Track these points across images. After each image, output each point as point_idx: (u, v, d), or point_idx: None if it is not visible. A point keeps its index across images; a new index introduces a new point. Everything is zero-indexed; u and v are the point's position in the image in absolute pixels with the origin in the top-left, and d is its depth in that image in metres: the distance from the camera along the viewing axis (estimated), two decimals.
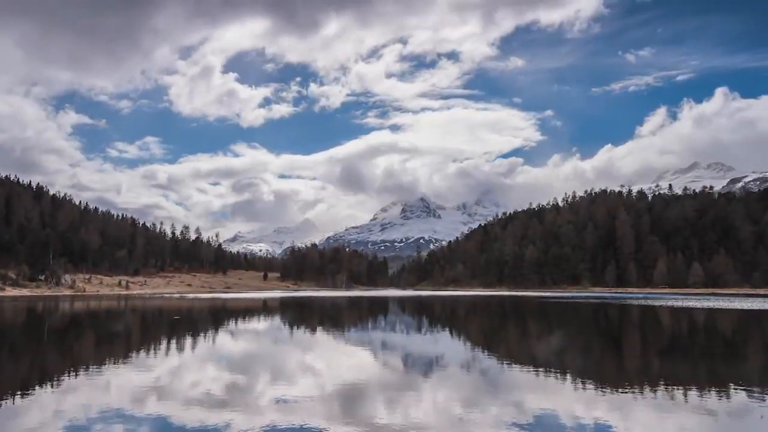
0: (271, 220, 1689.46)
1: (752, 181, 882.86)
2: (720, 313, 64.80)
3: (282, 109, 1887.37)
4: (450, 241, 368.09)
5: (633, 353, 32.73)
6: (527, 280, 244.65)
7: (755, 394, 19.25)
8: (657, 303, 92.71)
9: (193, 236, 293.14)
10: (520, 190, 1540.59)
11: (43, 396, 19.29)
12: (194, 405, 18.01)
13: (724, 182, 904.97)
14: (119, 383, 21.18)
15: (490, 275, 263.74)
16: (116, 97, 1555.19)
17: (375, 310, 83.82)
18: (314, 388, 20.92)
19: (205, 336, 40.67)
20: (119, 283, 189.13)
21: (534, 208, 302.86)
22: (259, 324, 55.23)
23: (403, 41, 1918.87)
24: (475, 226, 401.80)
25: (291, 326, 52.34)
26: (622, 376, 24.07)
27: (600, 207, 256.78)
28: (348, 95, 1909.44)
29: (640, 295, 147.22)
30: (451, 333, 46.80)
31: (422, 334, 44.98)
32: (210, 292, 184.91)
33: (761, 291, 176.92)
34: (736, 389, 20.30)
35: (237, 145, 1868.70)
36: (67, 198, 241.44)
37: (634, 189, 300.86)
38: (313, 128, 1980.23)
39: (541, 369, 24.83)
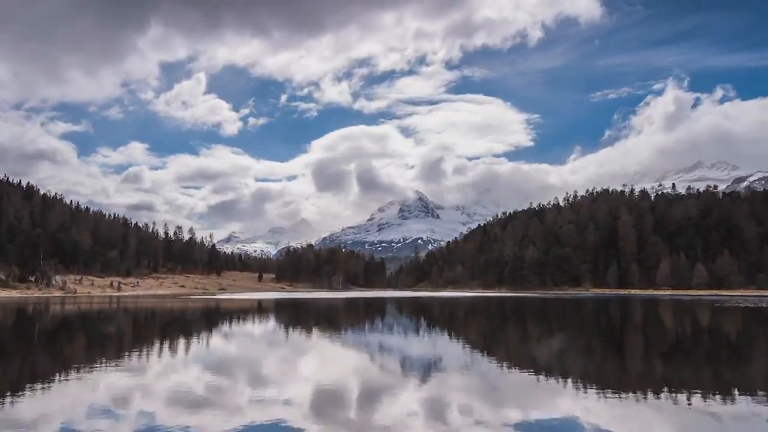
0: (253, 221, 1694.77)
1: (757, 180, 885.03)
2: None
3: (259, 122, 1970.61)
4: (449, 242, 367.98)
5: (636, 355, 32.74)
6: (527, 282, 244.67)
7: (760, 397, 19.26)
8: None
9: (186, 236, 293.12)
10: (520, 189, 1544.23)
11: (25, 400, 19.24)
12: (177, 409, 17.99)
13: (729, 181, 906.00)
14: (104, 386, 21.14)
15: (489, 276, 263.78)
16: (102, 107, 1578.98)
17: (372, 312, 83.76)
18: (304, 393, 20.90)
19: (196, 340, 40.61)
20: (111, 284, 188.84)
21: (534, 208, 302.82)
22: (254, 327, 55.20)
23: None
24: (474, 226, 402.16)
25: (285, 329, 52.29)
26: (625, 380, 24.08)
27: (602, 207, 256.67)
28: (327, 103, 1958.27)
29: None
30: (449, 336, 46.75)
31: (419, 336, 44.93)
32: (204, 294, 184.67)
33: (767, 293, 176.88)
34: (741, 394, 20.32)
35: (218, 148, 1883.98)
36: (58, 197, 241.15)
37: (637, 188, 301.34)
38: (292, 132, 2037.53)
39: (543, 372, 24.83)
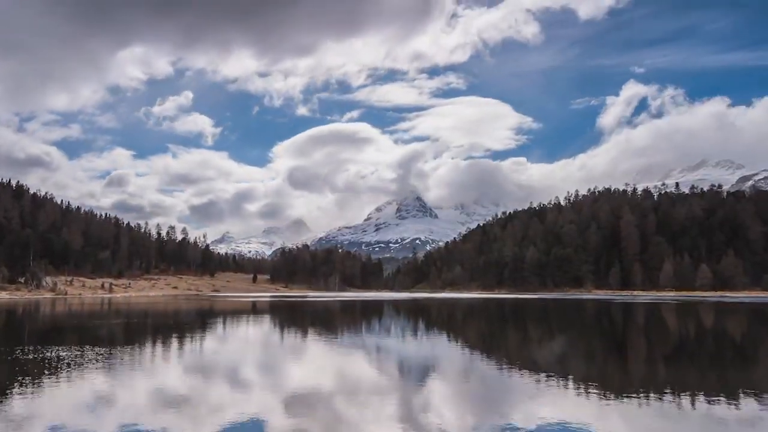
0: (226, 222, 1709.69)
1: (763, 179, 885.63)
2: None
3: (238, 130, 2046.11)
4: (447, 242, 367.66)
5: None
6: (528, 283, 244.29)
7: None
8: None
9: (179, 237, 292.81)
10: (520, 188, 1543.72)
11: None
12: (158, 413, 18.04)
13: (734, 180, 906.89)
14: (89, 390, 21.19)
15: (489, 277, 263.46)
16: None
17: (368, 315, 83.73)
18: (295, 399, 20.94)
19: (189, 342, 40.59)
20: (102, 285, 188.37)
21: (535, 208, 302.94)
22: (246, 330, 55.20)
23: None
24: (473, 226, 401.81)
25: (281, 331, 52.30)
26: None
27: (604, 206, 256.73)
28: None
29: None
30: (447, 340, 46.76)
31: (417, 339, 44.94)
32: (197, 295, 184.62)
33: None
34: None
35: (200, 151, 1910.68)
36: (48, 197, 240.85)
37: (639, 187, 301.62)
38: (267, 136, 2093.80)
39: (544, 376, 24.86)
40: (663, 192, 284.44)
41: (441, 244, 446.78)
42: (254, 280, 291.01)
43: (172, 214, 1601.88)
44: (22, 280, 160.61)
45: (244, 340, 42.64)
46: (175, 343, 39.25)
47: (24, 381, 22.90)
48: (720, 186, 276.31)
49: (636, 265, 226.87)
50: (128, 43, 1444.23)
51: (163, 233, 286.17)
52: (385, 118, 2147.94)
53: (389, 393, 21.74)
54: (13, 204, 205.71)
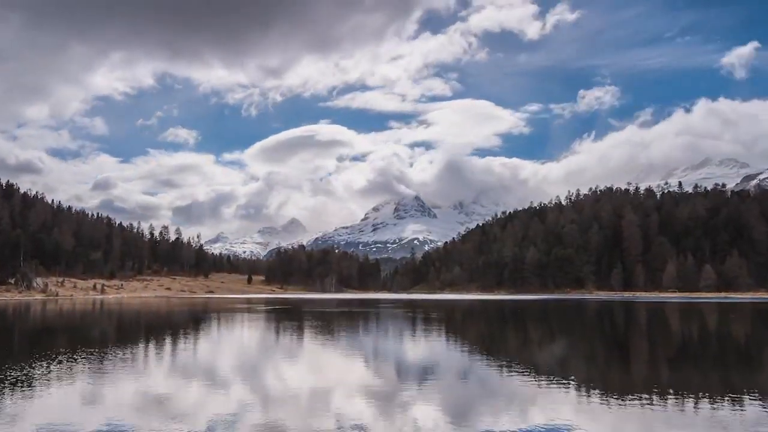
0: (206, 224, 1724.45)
1: None
2: None
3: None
4: (446, 242, 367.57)
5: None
6: (528, 284, 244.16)
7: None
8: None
9: (172, 237, 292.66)
10: (520, 187, 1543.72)
11: None
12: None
13: (738, 179, 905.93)
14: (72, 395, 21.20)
15: (488, 278, 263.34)
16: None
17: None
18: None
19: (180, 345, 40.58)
20: (94, 286, 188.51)
21: (535, 207, 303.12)
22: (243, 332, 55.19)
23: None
24: (472, 225, 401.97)
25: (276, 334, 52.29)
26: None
27: (605, 206, 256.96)
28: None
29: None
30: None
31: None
32: (191, 297, 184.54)
33: None
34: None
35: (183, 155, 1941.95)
36: (39, 197, 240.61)
37: (642, 186, 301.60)
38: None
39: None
40: (666, 191, 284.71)
41: (440, 244, 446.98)
42: (249, 281, 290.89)
43: (158, 216, 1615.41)
44: (13, 281, 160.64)
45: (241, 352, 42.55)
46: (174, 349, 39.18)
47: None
48: (724, 185, 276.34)
49: (638, 265, 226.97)
50: (115, 55, 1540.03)
51: (156, 233, 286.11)
52: (369, 121, 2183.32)
53: (385, 396, 21.74)
54: (2, 204, 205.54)
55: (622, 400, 20.44)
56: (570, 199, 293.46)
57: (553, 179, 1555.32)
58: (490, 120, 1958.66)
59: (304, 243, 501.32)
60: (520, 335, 51.67)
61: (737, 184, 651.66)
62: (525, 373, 26.76)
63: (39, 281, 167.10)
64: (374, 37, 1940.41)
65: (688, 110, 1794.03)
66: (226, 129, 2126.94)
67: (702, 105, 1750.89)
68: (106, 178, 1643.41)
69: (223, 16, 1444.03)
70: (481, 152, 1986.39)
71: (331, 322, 67.76)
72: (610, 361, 33.37)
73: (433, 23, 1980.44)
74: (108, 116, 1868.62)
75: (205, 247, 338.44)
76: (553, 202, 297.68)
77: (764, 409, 18.89)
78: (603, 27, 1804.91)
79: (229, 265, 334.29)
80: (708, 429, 16.86)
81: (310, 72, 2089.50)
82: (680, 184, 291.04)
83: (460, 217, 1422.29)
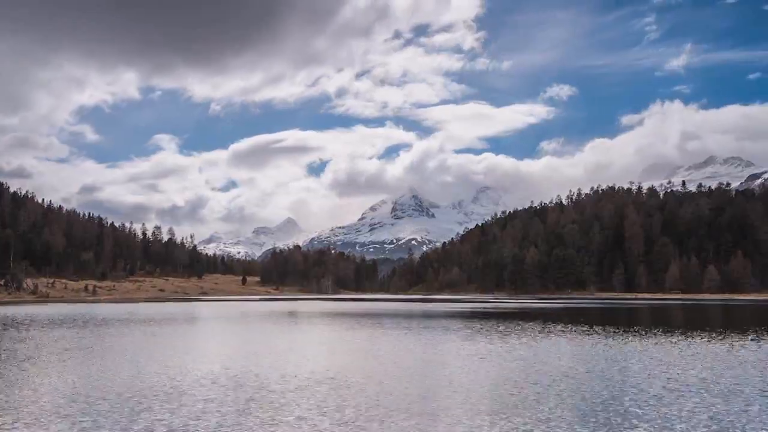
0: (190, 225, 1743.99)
1: None
2: None
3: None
4: (445, 243, 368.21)
5: None
6: (528, 285, 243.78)
7: None
8: None
9: (165, 237, 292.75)
10: (520, 186, 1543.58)
11: None
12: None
13: (743, 178, 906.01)
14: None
15: (488, 279, 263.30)
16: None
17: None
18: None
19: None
20: (85, 288, 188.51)
21: (536, 207, 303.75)
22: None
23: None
24: (471, 225, 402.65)
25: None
26: None
27: (607, 205, 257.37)
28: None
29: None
30: None
31: None
32: (184, 298, 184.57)
33: None
34: None
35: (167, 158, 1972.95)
36: (29, 196, 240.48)
37: (645, 186, 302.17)
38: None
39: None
40: (669, 191, 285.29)
41: (438, 244, 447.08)
42: (244, 282, 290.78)
43: (146, 220, 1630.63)
44: (2, 283, 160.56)
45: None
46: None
47: None
48: (728, 184, 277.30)
49: (641, 266, 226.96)
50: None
51: (149, 233, 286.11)
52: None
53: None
54: None
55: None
56: (571, 198, 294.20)
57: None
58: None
59: (300, 243, 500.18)
60: None
61: (742, 183, 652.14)
62: None
63: (29, 282, 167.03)
64: (348, 54, 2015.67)
65: None
66: (207, 136, 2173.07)
67: None
68: (92, 182, 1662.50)
69: (202, 36, 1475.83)
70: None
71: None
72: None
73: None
74: (94, 124, 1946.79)
75: (198, 248, 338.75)
76: (554, 202, 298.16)
77: None
78: None
79: (223, 265, 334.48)
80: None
81: (287, 83, 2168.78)
82: (684, 183, 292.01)
83: (459, 217, 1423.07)
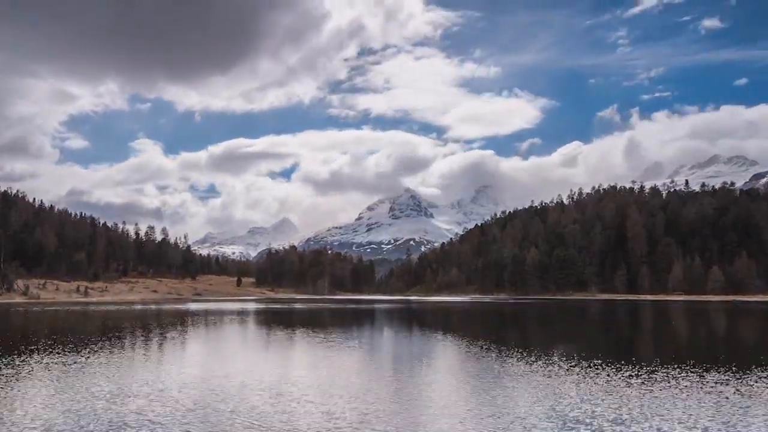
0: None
1: None
2: None
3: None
4: (443, 243, 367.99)
5: None
6: (528, 286, 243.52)
7: None
8: None
9: (159, 237, 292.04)
10: (520, 185, 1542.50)
11: None
12: None
13: (747, 177, 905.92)
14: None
15: (487, 280, 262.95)
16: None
17: None
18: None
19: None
20: (77, 289, 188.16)
21: (536, 206, 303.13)
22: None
23: None
24: (471, 225, 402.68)
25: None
26: None
27: (609, 205, 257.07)
28: None
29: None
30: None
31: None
32: (177, 300, 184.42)
33: None
34: None
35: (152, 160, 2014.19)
36: (20, 195, 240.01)
37: (647, 185, 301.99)
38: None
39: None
40: (672, 190, 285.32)
41: (437, 245, 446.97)
42: (238, 283, 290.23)
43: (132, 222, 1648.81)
44: None
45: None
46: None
47: None
48: (732, 184, 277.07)
49: (643, 267, 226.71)
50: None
51: (142, 233, 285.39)
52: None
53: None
54: None
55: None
56: (572, 198, 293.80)
57: None
58: None
59: (296, 244, 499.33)
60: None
61: (746, 182, 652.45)
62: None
63: (20, 283, 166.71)
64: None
65: None
66: (188, 140, 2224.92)
67: None
68: (80, 186, 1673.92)
69: (180, 50, 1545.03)
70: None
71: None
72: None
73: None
74: (81, 131, 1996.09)
75: (192, 248, 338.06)
76: (555, 201, 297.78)
77: None
78: None
79: (218, 266, 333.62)
80: None
81: (265, 94, 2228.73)
82: (687, 182, 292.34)
83: (459, 217, 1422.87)
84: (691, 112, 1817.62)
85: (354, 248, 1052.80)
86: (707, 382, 25.55)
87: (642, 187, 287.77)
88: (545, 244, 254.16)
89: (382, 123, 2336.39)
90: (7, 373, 27.39)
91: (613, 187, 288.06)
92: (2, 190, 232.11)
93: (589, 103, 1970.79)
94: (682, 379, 26.02)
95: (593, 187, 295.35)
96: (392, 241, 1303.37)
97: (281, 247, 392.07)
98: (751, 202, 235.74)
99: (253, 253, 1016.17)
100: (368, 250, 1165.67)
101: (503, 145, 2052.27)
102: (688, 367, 29.50)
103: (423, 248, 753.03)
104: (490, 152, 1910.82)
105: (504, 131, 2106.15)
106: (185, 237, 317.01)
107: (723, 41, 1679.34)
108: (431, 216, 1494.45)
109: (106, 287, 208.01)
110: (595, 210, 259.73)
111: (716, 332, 62.62)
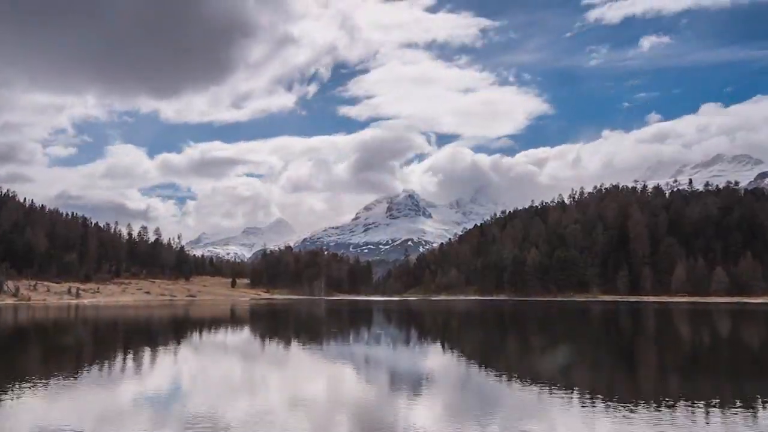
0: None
1: None
2: None
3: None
4: (442, 243, 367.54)
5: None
6: (529, 287, 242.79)
7: None
8: None
9: (152, 237, 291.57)
10: (520, 185, 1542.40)
11: None
12: None
13: (752, 177, 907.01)
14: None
15: (487, 281, 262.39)
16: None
17: None
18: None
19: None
20: (69, 290, 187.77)
21: (537, 206, 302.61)
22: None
23: None
24: (470, 226, 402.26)
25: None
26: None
27: (611, 205, 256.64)
28: None
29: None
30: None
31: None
32: (170, 301, 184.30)
33: None
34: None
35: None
36: (10, 195, 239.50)
37: (650, 184, 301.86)
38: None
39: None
40: (675, 189, 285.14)
41: (435, 245, 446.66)
42: (233, 284, 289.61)
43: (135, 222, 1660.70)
44: None
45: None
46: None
47: None
48: (737, 183, 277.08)
49: (646, 268, 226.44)
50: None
51: (135, 234, 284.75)
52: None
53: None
54: None
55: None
56: (573, 197, 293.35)
57: None
58: None
59: (292, 244, 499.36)
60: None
61: (751, 182, 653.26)
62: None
63: (10, 285, 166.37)
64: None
65: None
66: (173, 147, 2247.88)
67: None
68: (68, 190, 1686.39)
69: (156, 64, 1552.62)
70: None
71: None
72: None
73: None
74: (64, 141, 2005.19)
75: (186, 249, 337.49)
76: (556, 201, 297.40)
77: None
78: None
79: (212, 267, 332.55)
80: None
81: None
82: (690, 181, 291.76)
83: (457, 217, 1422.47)
84: (685, 113, 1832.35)
85: (351, 249, 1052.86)
86: None
87: (644, 187, 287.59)
88: (546, 244, 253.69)
89: (380, 123, 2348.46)
90: None
91: (615, 187, 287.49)
92: None
93: (589, 103, 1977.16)
94: None
95: (594, 187, 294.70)
96: (390, 242, 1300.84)
97: (277, 248, 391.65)
98: (756, 202, 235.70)
99: (248, 254, 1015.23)
100: (365, 250, 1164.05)
101: (503, 145, 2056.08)
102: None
103: (421, 248, 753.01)
104: (489, 152, 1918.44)
105: (504, 131, 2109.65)
106: (179, 237, 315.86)
107: (722, 41, 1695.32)
108: (429, 216, 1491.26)
109: (98, 288, 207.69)
110: (596, 210, 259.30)
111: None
